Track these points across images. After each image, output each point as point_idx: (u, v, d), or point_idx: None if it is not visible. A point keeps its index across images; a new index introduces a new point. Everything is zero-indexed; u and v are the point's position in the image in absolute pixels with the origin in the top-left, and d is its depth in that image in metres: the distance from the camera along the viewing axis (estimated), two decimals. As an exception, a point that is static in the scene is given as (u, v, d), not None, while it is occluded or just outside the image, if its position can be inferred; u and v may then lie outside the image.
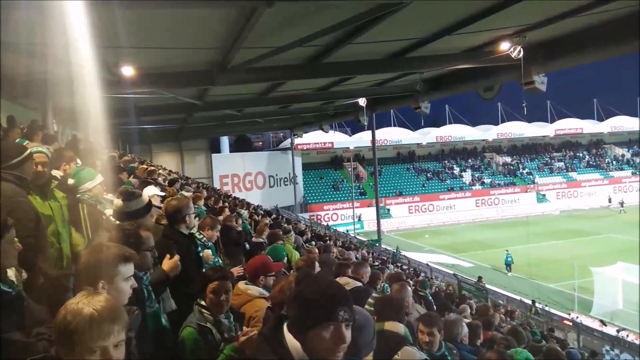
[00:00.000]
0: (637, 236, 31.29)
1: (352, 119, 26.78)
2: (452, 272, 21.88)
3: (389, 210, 44.79)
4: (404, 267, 19.41)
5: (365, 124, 24.00)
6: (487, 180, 50.34)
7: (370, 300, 3.94)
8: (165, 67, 11.54)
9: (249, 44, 9.67)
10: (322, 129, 32.30)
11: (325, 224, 37.46)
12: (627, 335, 15.59)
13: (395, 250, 24.74)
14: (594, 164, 54.61)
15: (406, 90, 18.33)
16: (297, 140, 41.68)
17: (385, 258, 20.81)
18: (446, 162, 53.29)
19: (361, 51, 11.89)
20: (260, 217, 10.88)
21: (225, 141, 43.91)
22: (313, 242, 10.37)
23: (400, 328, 3.26)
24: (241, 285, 3.58)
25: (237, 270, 4.14)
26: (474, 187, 49.09)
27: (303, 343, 1.56)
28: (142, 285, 2.55)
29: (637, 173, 52.76)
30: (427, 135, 52.79)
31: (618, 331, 15.80)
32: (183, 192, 8.47)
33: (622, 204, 43.52)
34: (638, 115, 62.12)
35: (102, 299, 1.50)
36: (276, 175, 40.75)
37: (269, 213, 16.76)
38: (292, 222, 18.44)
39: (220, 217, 6.15)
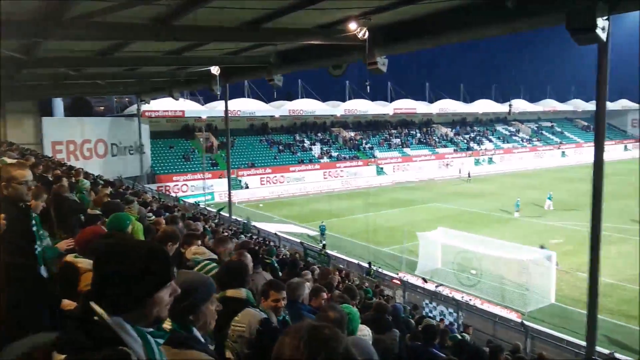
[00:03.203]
0: (456, 205, 36.23)
1: (205, 87, 25.97)
2: (299, 240, 22.95)
3: (240, 181, 44.87)
4: (254, 237, 19.80)
5: (218, 93, 23.51)
6: (334, 154, 53.28)
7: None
8: (-20, 12, 9.84)
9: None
10: (173, 97, 30.69)
11: (174, 195, 36.13)
12: (443, 290, 18.18)
13: (245, 221, 25.01)
14: (424, 141, 61.31)
15: (260, 61, 18.33)
16: (144, 107, 38.99)
17: (236, 229, 20.97)
18: (297, 135, 54.98)
19: (214, 17, 11.54)
20: (100, 187, 10.11)
21: (59, 104, 39.13)
22: (155, 214, 9.98)
23: (242, 293, 3.39)
24: (69, 258, 3.37)
25: (66, 243, 3.87)
26: (322, 160, 51.59)
27: (137, 313, 1.49)
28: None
29: (458, 150, 60.75)
30: (280, 108, 53.69)
31: (436, 287, 18.31)
32: (5, 159, 7.49)
33: (469, 174, 50.98)
34: (461, 99, 71.11)
35: None
36: (120, 143, 37.75)
37: (111, 183, 15.59)
38: (138, 193, 17.44)
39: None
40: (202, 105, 50.94)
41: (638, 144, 68.49)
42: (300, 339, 1.16)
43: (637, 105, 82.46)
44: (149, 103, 37.36)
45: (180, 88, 29.73)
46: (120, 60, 17.89)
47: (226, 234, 13.51)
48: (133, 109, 41.69)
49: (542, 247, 20.05)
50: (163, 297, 1.54)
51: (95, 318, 1.44)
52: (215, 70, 19.45)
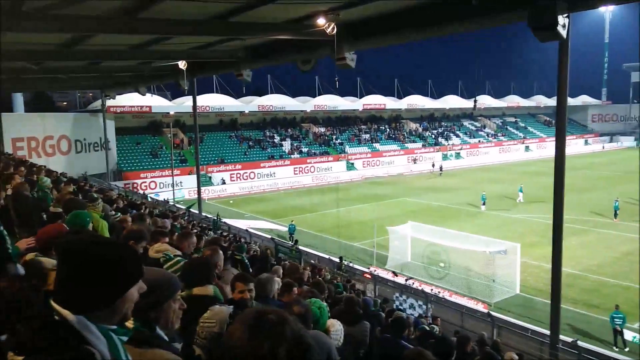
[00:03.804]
0: (425, 199, 36.80)
1: (172, 82, 25.50)
2: (270, 236, 22.89)
3: (210, 177, 44.39)
4: (225, 233, 19.60)
5: (186, 88, 23.13)
6: (304, 149, 53.26)
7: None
8: None
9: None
10: (139, 92, 30.02)
11: (142, 192, 35.43)
12: (413, 283, 18.42)
13: (215, 218, 24.75)
14: (394, 136, 61.95)
15: (229, 56, 18.13)
16: (109, 102, 38.04)
17: (206, 225, 20.74)
18: (267, 131, 54.70)
19: (181, 10, 11.36)
20: (62, 184, 9.81)
21: (19, 99, 37.77)
22: (121, 212, 9.76)
23: (209, 290, 3.33)
24: (30, 257, 3.26)
25: (27, 242, 3.73)
26: (292, 156, 51.50)
27: (106, 311, 1.44)
28: None
29: (427, 145, 61.65)
30: (250, 104, 53.28)
31: (406, 280, 18.56)
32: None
33: (441, 168, 52.06)
34: (429, 95, 72.09)
35: None
36: (84, 139, 36.71)
37: (74, 181, 15.18)
38: (104, 190, 17.03)
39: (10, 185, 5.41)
40: (170, 100, 50.10)
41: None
42: (245, 325, 1.14)
43: (597, 100, 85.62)
44: (114, 98, 36.46)
45: (147, 83, 29.12)
46: (84, 54, 17.41)
47: (195, 230, 13.35)
48: (97, 104, 40.63)
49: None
50: (133, 294, 1.50)
51: (57, 318, 1.38)
52: (182, 64, 19.10)
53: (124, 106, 43.29)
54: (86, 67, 21.84)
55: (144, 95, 31.65)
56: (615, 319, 14.21)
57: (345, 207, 31.57)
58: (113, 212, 7.56)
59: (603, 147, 74.28)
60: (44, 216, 5.39)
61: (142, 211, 10.16)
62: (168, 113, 47.90)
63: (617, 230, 25.98)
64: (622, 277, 19.17)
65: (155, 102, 46.44)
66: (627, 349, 13.80)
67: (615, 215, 28.02)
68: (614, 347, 13.96)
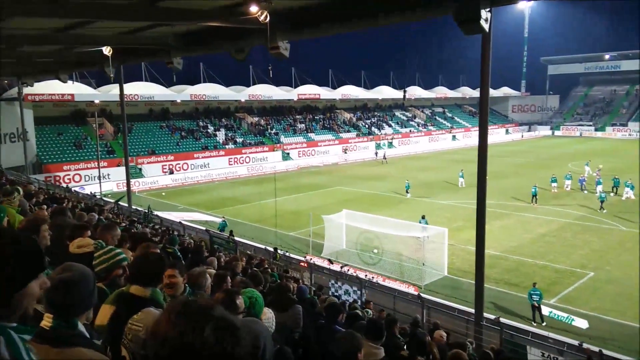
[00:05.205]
0: (359, 187, 37.54)
1: (97, 69, 24.17)
2: (204, 228, 22.47)
3: (140, 169, 42.74)
4: (157, 226, 19.02)
5: (112, 76, 22.00)
6: (239, 140, 52.54)
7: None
8: None
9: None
10: (60, 79, 28.17)
11: (65, 185, 33.45)
12: (348, 270, 18.84)
13: (146, 210, 23.88)
14: (328, 126, 62.57)
15: (158, 43, 17.44)
16: (26, 90, 35.42)
17: (136, 219, 19.99)
18: (200, 121, 53.37)
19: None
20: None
21: None
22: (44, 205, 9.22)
23: (146, 292, 3.20)
24: None
25: None
26: (227, 146, 50.65)
27: (5, 309, 1.38)
28: None
29: (360, 135, 62.81)
30: (182, 93, 51.63)
31: (342, 267, 18.94)
32: None
33: (384, 155, 53.20)
34: (362, 86, 73.31)
35: None
36: (-1, 130, 34.08)
37: (-12, 174, 14.09)
38: (22, 184, 15.93)
39: None
40: (95, 88, 47.47)
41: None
42: (174, 312, 1.14)
43: (517, 92, 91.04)
44: (32, 86, 34.00)
45: (69, 70, 27.46)
46: (-4, 37, 16.06)
47: (124, 224, 12.87)
48: (13, 92, 37.72)
49: (422, 217, 22.78)
50: (33, 289, 1.43)
51: None
52: (107, 50, 18.14)
53: (43, 94, 40.55)
54: (1, 52, 20.17)
55: (65, 82, 29.80)
56: (533, 296, 15.29)
57: (281, 197, 31.58)
58: (40, 208, 7.11)
59: (522, 136, 79.25)
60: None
61: (64, 205, 9.63)
62: (93, 102, 45.49)
63: (535, 214, 27.92)
64: (539, 257, 20.68)
65: (78, 90, 43.87)
66: (544, 324, 14.88)
67: (533, 199, 30.05)
68: (533, 322, 15.02)
